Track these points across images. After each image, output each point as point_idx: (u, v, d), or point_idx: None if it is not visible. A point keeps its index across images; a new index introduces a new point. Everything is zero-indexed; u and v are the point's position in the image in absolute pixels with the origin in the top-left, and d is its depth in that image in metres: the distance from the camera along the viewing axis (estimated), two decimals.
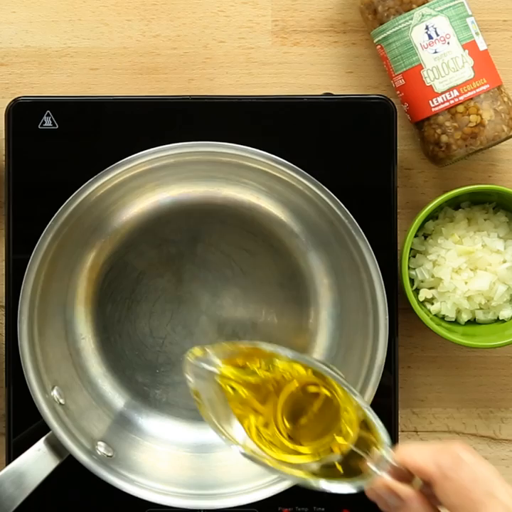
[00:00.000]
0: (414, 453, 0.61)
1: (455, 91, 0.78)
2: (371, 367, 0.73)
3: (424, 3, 0.77)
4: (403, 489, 0.61)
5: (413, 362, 0.84)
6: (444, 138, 0.79)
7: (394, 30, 0.78)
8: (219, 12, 0.84)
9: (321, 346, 0.81)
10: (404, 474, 0.61)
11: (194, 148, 0.73)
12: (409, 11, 0.77)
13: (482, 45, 0.79)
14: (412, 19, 0.78)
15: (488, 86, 0.78)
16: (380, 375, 0.73)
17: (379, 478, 0.62)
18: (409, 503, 0.60)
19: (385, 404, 0.77)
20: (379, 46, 0.80)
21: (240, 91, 0.83)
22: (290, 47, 0.84)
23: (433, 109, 0.79)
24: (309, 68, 0.84)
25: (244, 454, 0.66)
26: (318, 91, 0.83)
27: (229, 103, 0.79)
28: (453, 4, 0.78)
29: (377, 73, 0.83)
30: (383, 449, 0.62)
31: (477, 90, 0.78)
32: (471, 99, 0.78)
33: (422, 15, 0.77)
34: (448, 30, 0.78)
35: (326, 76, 0.84)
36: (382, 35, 0.79)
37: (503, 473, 0.82)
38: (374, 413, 0.63)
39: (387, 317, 0.73)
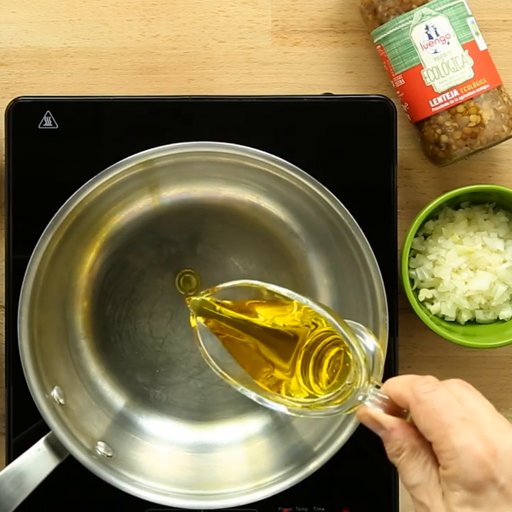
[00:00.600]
0: (397, 381, 0.61)
1: (455, 91, 0.78)
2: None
3: (424, 3, 0.77)
4: (386, 419, 0.60)
5: (413, 362, 0.84)
6: (444, 138, 0.79)
7: (394, 30, 0.78)
8: (219, 12, 0.84)
9: None
10: (397, 406, 0.61)
11: (194, 148, 0.73)
12: (409, 11, 0.77)
13: (482, 45, 0.79)
14: (412, 19, 0.78)
15: (488, 86, 0.78)
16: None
17: (362, 408, 0.62)
18: (392, 433, 0.60)
19: None
20: (379, 46, 0.80)
21: (239, 91, 0.83)
22: (290, 47, 0.84)
23: (433, 109, 0.79)
24: (309, 68, 0.84)
25: (243, 390, 0.69)
26: (318, 91, 0.83)
27: (229, 103, 0.79)
28: (453, 4, 0.78)
29: (377, 73, 0.83)
30: (361, 381, 0.62)
31: (477, 90, 0.78)
32: (471, 99, 0.78)
33: (422, 15, 0.77)
34: (448, 30, 0.78)
35: (326, 76, 0.84)
36: (382, 35, 0.79)
37: None
38: (360, 347, 0.64)
39: (387, 317, 0.73)
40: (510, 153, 0.84)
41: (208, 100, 0.79)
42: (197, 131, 0.74)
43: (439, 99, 0.78)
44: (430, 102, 0.79)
